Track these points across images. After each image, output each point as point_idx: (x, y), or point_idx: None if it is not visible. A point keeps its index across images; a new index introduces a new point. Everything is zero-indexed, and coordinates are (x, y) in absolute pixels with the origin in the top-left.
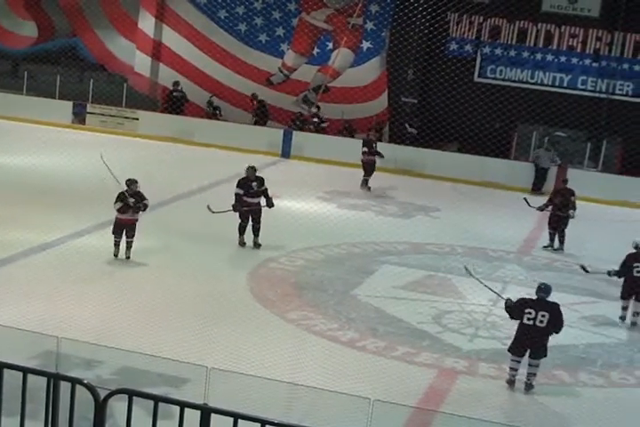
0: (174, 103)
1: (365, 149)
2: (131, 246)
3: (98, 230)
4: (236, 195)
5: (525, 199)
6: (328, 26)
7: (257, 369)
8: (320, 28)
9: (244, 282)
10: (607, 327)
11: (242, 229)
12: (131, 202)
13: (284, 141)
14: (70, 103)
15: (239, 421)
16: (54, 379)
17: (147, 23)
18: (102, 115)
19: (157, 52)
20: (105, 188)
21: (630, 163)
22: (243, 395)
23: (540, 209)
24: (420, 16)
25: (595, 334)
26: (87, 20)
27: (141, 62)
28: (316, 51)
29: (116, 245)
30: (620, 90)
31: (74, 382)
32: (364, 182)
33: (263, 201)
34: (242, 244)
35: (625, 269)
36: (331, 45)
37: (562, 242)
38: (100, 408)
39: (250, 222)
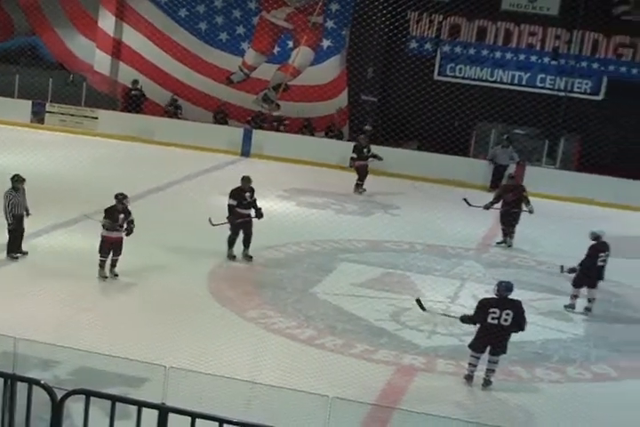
0: (133, 102)
1: (354, 155)
2: (116, 265)
3: (56, 230)
4: (230, 206)
5: (465, 200)
6: (288, 24)
7: (216, 368)
8: (280, 26)
9: (203, 281)
10: (563, 323)
11: (232, 242)
12: (120, 219)
13: (243, 140)
14: (29, 102)
15: (197, 420)
16: (11, 380)
17: (107, 22)
18: (61, 114)
19: (117, 50)
20: (63, 187)
21: (588, 160)
22: (201, 394)
23: (487, 207)
24: (380, 14)
25: (551, 330)
26: (47, 18)
27: (101, 61)
28: (276, 49)
29: (103, 265)
30: (578, 88)
31: (31, 382)
32: (358, 186)
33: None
34: (231, 257)
35: (589, 260)
36: (291, 44)
37: (511, 237)
38: (58, 409)
39: (240, 234)
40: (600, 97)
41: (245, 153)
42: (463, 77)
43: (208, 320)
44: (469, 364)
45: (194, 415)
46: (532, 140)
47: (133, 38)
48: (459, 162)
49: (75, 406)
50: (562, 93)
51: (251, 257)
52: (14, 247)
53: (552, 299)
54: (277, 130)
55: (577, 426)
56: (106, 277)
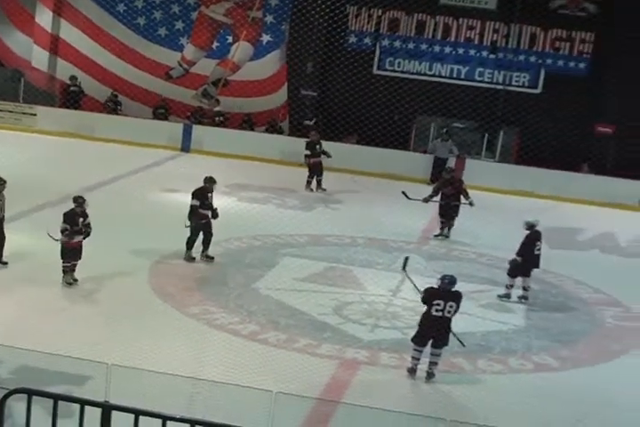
0: (71, 98)
1: (308, 152)
2: (75, 269)
3: None
4: (193, 206)
5: (404, 193)
6: (227, 19)
7: (158, 365)
8: (219, 21)
9: (144, 277)
10: (504, 314)
11: (191, 244)
12: (80, 223)
13: (183, 135)
14: None
15: (141, 417)
16: None
17: (44, 17)
18: None
19: (55, 46)
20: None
21: (526, 153)
22: (144, 391)
23: (426, 200)
24: (319, 9)
25: (492, 322)
26: None
27: (39, 57)
28: (215, 44)
29: (71, 270)
30: (516, 81)
31: None
32: (309, 183)
33: None
34: (190, 259)
35: (526, 249)
36: (230, 39)
37: (449, 229)
38: None
39: (200, 236)
40: (538, 90)
41: (185, 148)
42: (402, 71)
43: (150, 317)
44: (412, 357)
45: (137, 413)
46: (471, 134)
47: (71, 34)
48: (399, 156)
49: (17, 406)
50: (500, 87)
51: (212, 258)
52: None
53: (492, 291)
54: (217, 125)
55: (520, 417)
56: (71, 283)
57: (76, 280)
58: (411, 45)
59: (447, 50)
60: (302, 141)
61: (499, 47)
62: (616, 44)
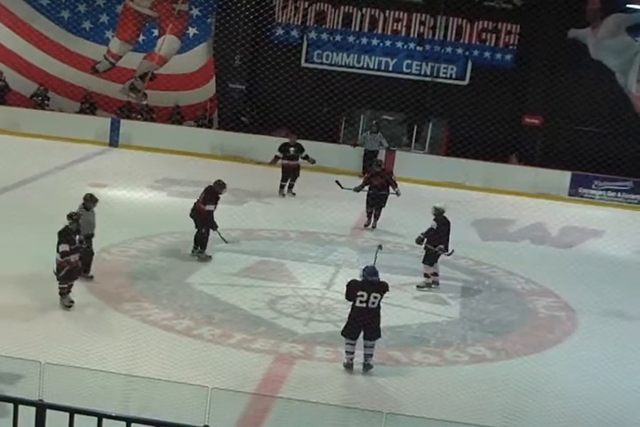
0: None
1: (279, 154)
2: (71, 291)
3: None
4: (211, 212)
5: (337, 182)
6: (153, 12)
7: (92, 362)
8: (145, 14)
9: None
10: (438, 307)
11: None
12: (77, 241)
13: (111, 130)
14: None
15: (76, 415)
16: None
17: None
18: None
19: None
20: None
21: (455, 144)
22: (79, 389)
23: (357, 190)
24: (245, 1)
25: (427, 314)
26: None
27: None
28: (141, 38)
29: (68, 291)
30: (444, 73)
31: None
32: (281, 188)
33: None
34: (207, 257)
35: (439, 235)
36: (156, 32)
37: (377, 219)
38: None
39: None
40: (466, 82)
41: (114, 143)
42: (330, 64)
43: (83, 314)
44: (346, 352)
45: (72, 411)
46: (400, 126)
47: None
48: (329, 149)
49: None
50: (428, 79)
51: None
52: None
53: None
54: (146, 119)
55: (456, 408)
56: (70, 306)
57: (72, 302)
58: (338, 38)
59: (374, 42)
60: (233, 135)
61: (426, 39)
62: (541, 36)
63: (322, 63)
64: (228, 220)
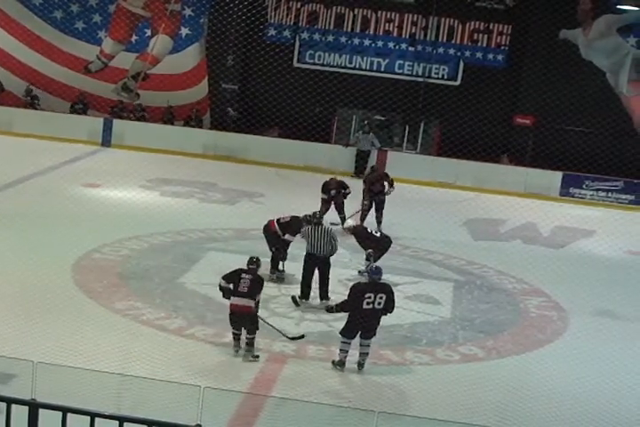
0: None
1: (325, 197)
2: None
3: None
4: (289, 242)
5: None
6: (146, 12)
7: (85, 362)
8: (138, 14)
9: (68, 274)
10: (430, 306)
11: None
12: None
13: (104, 130)
14: None
15: (69, 415)
16: None
17: None
18: None
19: None
20: None
21: (447, 145)
22: (72, 388)
23: (368, 207)
24: (237, 2)
25: (418, 313)
26: None
27: None
28: (134, 38)
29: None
30: (435, 73)
31: None
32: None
33: None
34: (281, 276)
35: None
36: (149, 32)
37: (380, 224)
38: None
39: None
40: (457, 82)
41: (106, 143)
42: (322, 64)
43: (76, 313)
44: (341, 350)
45: (65, 410)
46: (392, 126)
47: None
48: (321, 149)
49: None
50: (420, 79)
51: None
52: None
53: (417, 282)
54: (138, 119)
55: (447, 407)
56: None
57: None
58: (330, 38)
59: (367, 42)
60: (225, 135)
61: (418, 40)
62: (532, 36)
63: (314, 63)
64: (221, 219)
